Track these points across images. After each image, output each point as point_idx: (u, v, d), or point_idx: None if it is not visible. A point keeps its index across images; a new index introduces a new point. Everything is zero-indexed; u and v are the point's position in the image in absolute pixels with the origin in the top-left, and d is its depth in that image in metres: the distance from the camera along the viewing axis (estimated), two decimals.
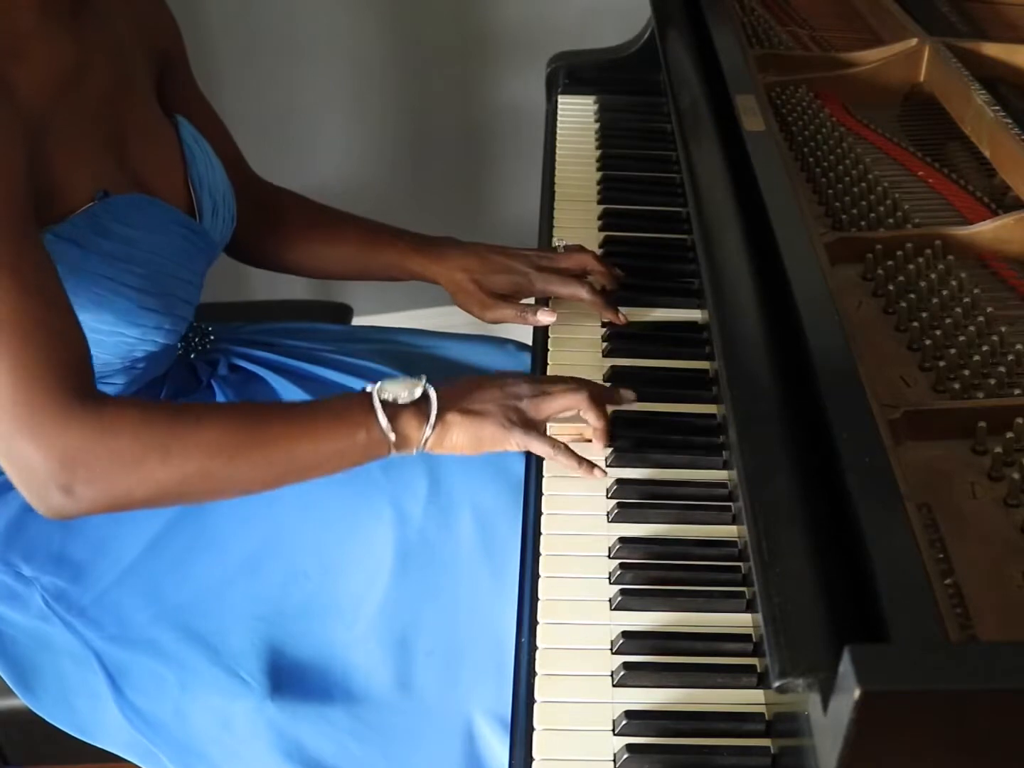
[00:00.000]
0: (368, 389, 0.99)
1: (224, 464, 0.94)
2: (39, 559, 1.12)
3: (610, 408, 1.07)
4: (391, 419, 0.97)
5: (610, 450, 1.05)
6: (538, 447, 1.01)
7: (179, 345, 1.23)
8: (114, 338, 1.06)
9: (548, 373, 1.15)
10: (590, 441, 1.05)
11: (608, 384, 1.11)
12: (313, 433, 0.97)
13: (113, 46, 1.09)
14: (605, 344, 1.20)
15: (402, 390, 0.98)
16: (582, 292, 1.22)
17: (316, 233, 1.31)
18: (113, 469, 0.91)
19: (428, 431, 0.98)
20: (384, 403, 0.97)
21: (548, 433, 1.04)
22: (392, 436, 0.97)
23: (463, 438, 1.00)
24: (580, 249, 1.27)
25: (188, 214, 1.15)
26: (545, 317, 1.20)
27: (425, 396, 0.99)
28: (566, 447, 1.02)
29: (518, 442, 1.01)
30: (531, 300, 1.26)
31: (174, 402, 1.14)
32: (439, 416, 0.99)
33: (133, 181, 1.09)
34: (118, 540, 1.12)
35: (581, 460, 1.01)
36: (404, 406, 0.98)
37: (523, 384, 1.03)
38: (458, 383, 1.03)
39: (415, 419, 0.98)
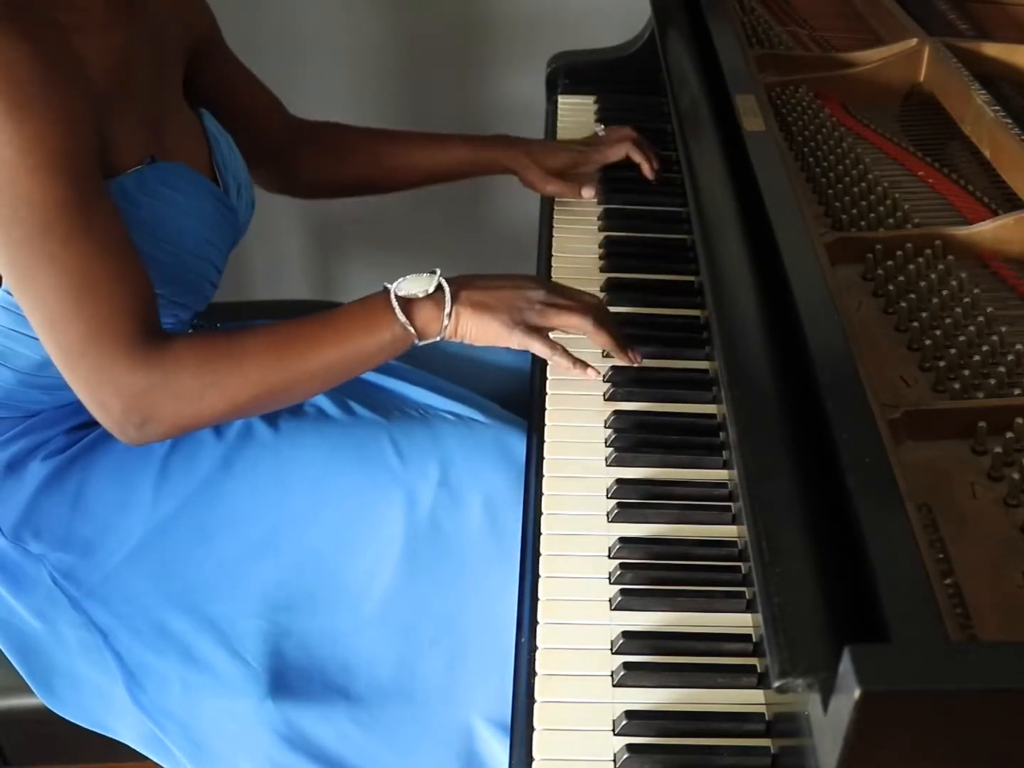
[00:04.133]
0: (388, 287, 1.06)
1: (270, 386, 1.05)
2: (48, 536, 1.13)
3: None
4: (411, 314, 1.05)
5: (611, 449, 1.05)
6: (537, 347, 1.08)
7: (189, 334, 1.24)
8: None
9: (548, 373, 1.15)
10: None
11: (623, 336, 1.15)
12: (342, 341, 1.06)
13: (154, 37, 1.14)
14: None
15: (418, 286, 1.06)
16: (628, 147, 1.45)
17: (382, 145, 1.44)
18: (178, 405, 1.03)
19: (446, 320, 1.06)
20: (401, 300, 1.05)
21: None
22: (413, 330, 1.05)
23: (472, 329, 1.07)
24: (621, 127, 1.49)
25: None
26: (587, 191, 1.42)
27: (439, 288, 1.06)
28: (563, 349, 1.09)
29: (519, 341, 1.07)
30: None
31: (218, 332, 1.21)
32: (453, 306, 1.06)
33: (173, 158, 1.14)
34: (128, 518, 1.14)
35: (576, 360, 1.10)
36: (421, 300, 1.06)
37: (537, 290, 1.09)
38: (474, 278, 1.09)
39: (433, 311, 1.06)
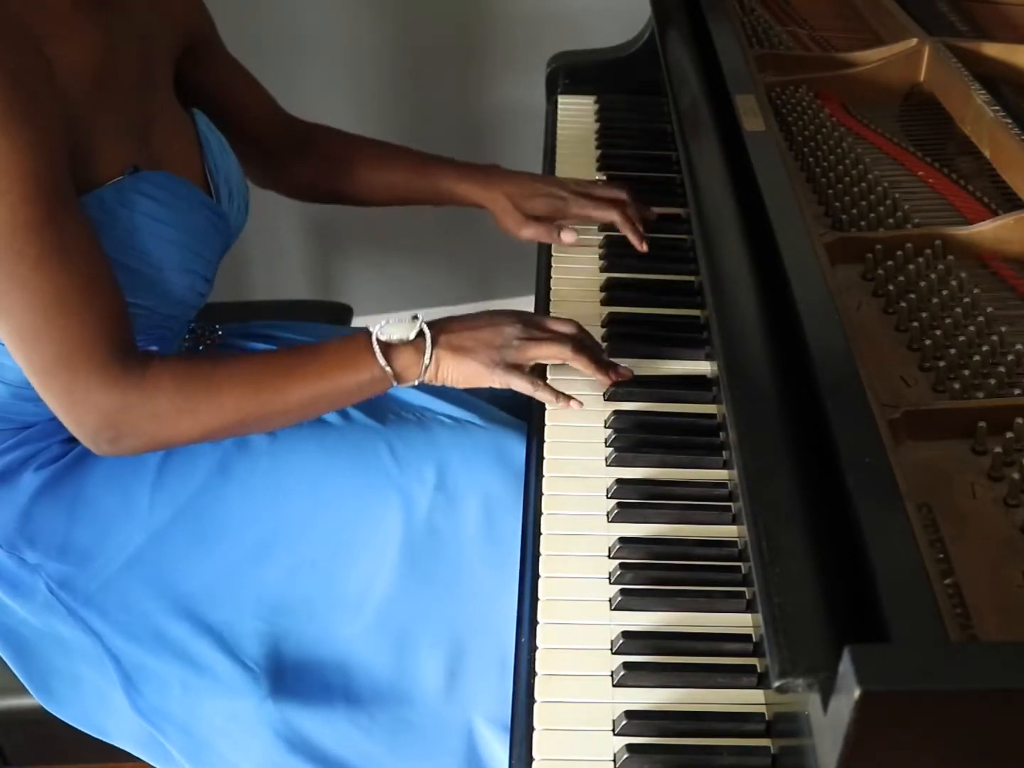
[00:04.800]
0: (371, 330, 1.07)
1: (244, 416, 1.06)
2: (44, 546, 1.13)
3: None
4: (392, 358, 1.06)
5: (611, 449, 1.05)
6: (517, 384, 1.08)
7: (186, 337, 1.24)
8: (133, 311, 1.07)
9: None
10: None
11: (603, 348, 1.17)
12: (321, 378, 1.06)
13: (138, 38, 1.12)
14: (605, 344, 1.19)
15: (400, 331, 1.07)
16: (614, 215, 1.34)
17: (363, 159, 1.41)
18: (153, 426, 1.04)
19: (426, 363, 1.07)
20: (382, 344, 1.06)
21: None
22: (391, 373, 1.06)
23: (453, 372, 1.08)
24: (617, 184, 1.40)
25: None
26: (568, 236, 1.35)
27: (420, 334, 1.07)
28: (544, 384, 1.09)
29: (500, 380, 1.08)
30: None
31: (198, 357, 1.21)
32: (433, 353, 1.07)
33: (158, 165, 1.12)
34: (124, 526, 1.14)
35: (558, 394, 1.09)
36: (402, 344, 1.07)
37: (514, 325, 1.09)
38: (452, 321, 1.10)
39: (412, 356, 1.07)
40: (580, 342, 1.11)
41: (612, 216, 1.34)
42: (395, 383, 1.07)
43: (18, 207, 0.94)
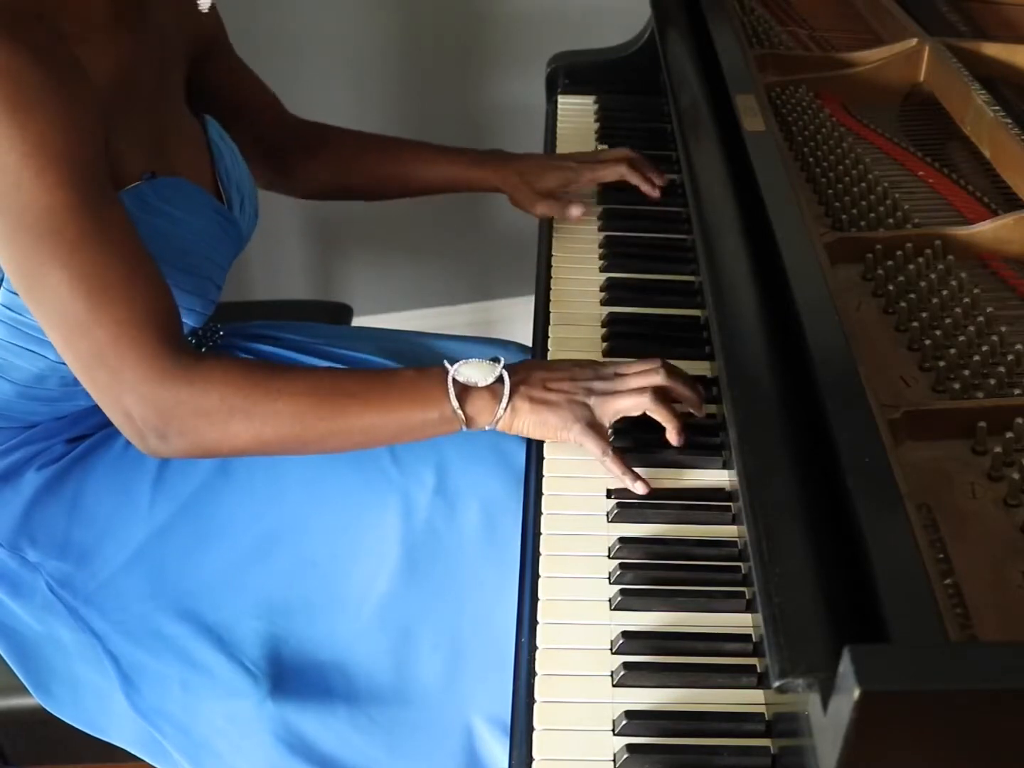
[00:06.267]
0: (447, 367, 1.03)
1: (301, 431, 1.01)
2: (45, 544, 1.13)
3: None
4: (464, 400, 1.02)
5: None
6: (592, 448, 1.02)
7: (191, 340, 1.24)
8: None
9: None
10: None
11: (686, 375, 1.08)
12: (388, 408, 1.02)
13: (159, 45, 1.13)
14: (605, 344, 1.20)
15: (479, 375, 1.02)
16: (622, 169, 1.39)
17: (373, 153, 1.41)
18: (201, 425, 1.00)
19: (500, 413, 1.02)
20: (457, 383, 1.02)
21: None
22: (463, 416, 1.02)
23: (529, 425, 1.03)
24: (620, 147, 1.45)
25: None
26: (575, 210, 1.37)
27: (500, 379, 1.02)
28: (615, 452, 1.02)
29: (576, 438, 1.02)
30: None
31: (260, 362, 1.17)
32: (510, 402, 1.02)
33: (173, 171, 1.12)
34: (124, 525, 1.14)
35: (627, 469, 1.01)
36: (478, 388, 1.02)
37: (594, 380, 1.05)
38: (532, 369, 1.06)
39: (487, 402, 1.02)
40: (660, 392, 1.03)
41: (621, 171, 1.39)
42: (464, 428, 1.02)
43: (55, 188, 0.93)
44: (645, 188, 1.40)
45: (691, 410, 1.06)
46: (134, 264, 0.98)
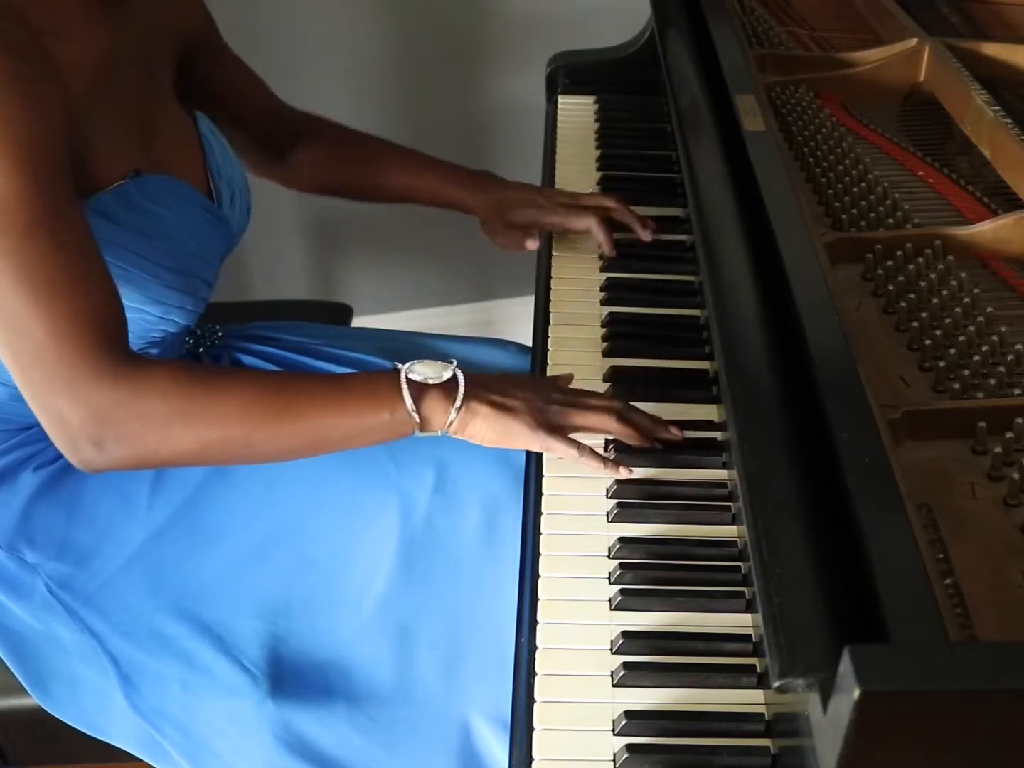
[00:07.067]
0: (398, 367, 1.00)
1: (247, 433, 0.97)
2: (43, 546, 1.13)
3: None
4: (418, 400, 0.99)
5: (611, 449, 1.05)
6: (561, 449, 1.01)
7: (188, 340, 1.24)
8: (135, 315, 1.07)
9: (548, 374, 1.15)
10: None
11: (651, 416, 1.06)
12: (338, 409, 0.99)
13: (144, 40, 1.12)
14: (605, 344, 1.20)
15: (431, 371, 1.01)
16: (592, 223, 1.32)
17: (361, 154, 1.41)
18: (141, 430, 0.95)
19: (453, 415, 1.00)
20: (411, 383, 0.99)
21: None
22: (416, 418, 0.99)
23: (487, 430, 1.01)
24: (608, 193, 1.39)
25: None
26: (530, 244, 1.35)
27: (453, 379, 1.01)
28: (590, 449, 1.01)
29: (542, 444, 1.01)
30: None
31: (205, 364, 1.16)
32: (465, 402, 1.00)
33: (160, 168, 1.11)
34: (123, 526, 1.13)
35: (606, 461, 1.01)
36: (432, 387, 1.00)
37: (555, 391, 1.04)
38: (492, 377, 1.05)
39: (441, 402, 1.00)
40: (623, 413, 1.03)
41: (588, 223, 1.33)
42: (417, 431, 1.00)
43: (10, 174, 0.90)
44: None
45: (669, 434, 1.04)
46: (83, 265, 0.94)
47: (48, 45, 0.97)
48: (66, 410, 0.94)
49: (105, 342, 0.94)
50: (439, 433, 1.01)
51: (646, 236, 1.34)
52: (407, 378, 1.00)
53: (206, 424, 0.96)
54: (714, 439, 1.05)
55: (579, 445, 1.01)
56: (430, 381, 1.00)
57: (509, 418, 1.00)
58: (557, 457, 1.05)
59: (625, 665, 0.86)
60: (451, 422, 1.00)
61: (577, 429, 1.03)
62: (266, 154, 1.41)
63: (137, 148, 1.09)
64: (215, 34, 1.32)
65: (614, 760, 0.81)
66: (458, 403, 1.00)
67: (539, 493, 1.02)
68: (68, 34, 1.00)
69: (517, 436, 1.01)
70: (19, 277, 0.91)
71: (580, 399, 1.04)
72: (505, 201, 1.36)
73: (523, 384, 1.05)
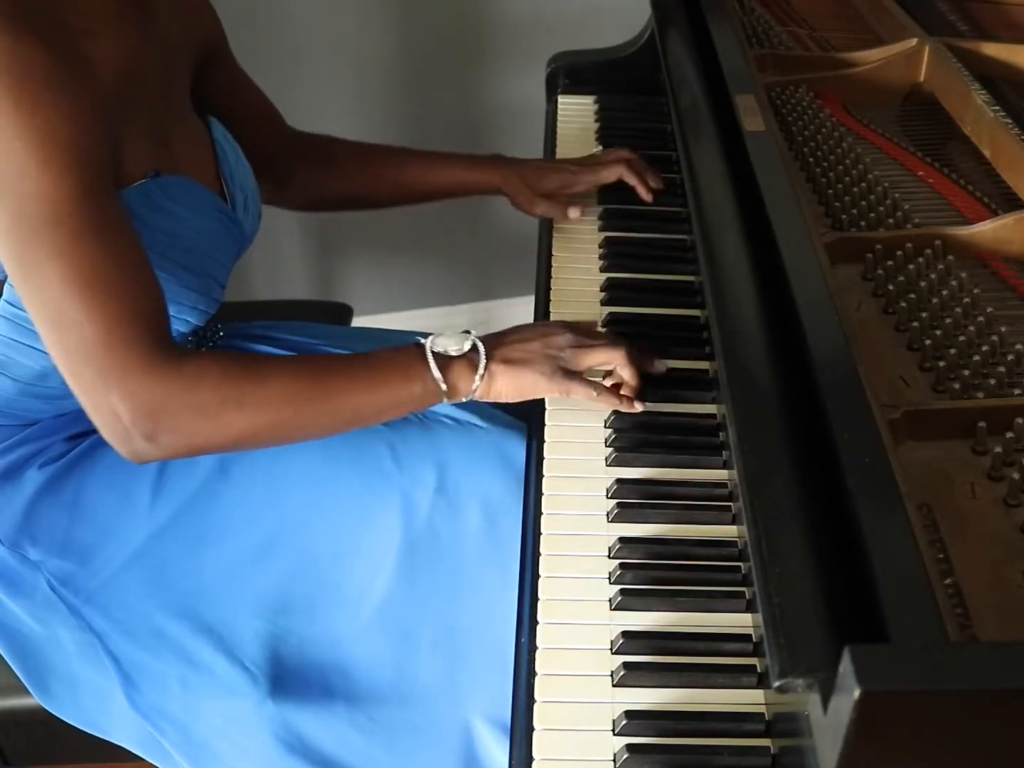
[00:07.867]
0: (422, 342, 1.05)
1: (293, 415, 1.02)
2: (46, 543, 1.13)
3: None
4: (443, 370, 1.04)
5: (611, 449, 1.05)
6: (579, 390, 1.07)
7: (190, 339, 1.24)
8: None
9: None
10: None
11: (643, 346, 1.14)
12: (374, 385, 1.04)
13: (165, 46, 1.13)
14: None
15: (453, 343, 1.05)
16: (621, 169, 1.41)
17: (374, 162, 1.43)
18: (194, 420, 0.98)
19: (477, 381, 1.05)
20: (436, 355, 1.04)
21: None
22: (444, 387, 1.04)
23: (509, 387, 1.06)
24: (618, 148, 1.46)
25: None
26: (574, 211, 1.39)
27: (474, 348, 1.05)
28: (605, 388, 1.08)
29: (559, 388, 1.07)
30: None
31: (242, 353, 1.18)
32: (487, 365, 1.05)
33: (177, 170, 1.12)
34: (125, 524, 1.14)
35: (622, 397, 1.08)
36: (455, 358, 1.05)
37: (564, 335, 1.09)
38: (504, 335, 1.09)
39: (466, 370, 1.05)
40: (631, 350, 1.09)
41: (620, 171, 1.40)
42: (445, 399, 1.05)
43: (61, 178, 0.93)
44: (640, 191, 1.41)
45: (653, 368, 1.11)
46: (131, 261, 0.97)
47: (86, 47, 0.99)
48: (118, 406, 0.96)
49: (153, 336, 0.97)
50: (464, 399, 1.06)
51: (648, 197, 1.41)
52: (432, 351, 1.04)
53: (257, 409, 1.00)
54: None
55: (595, 384, 1.07)
56: (452, 352, 1.05)
57: (527, 371, 1.06)
58: (557, 457, 1.05)
59: (625, 665, 0.86)
60: (476, 388, 1.05)
61: (589, 367, 1.09)
62: (274, 177, 1.41)
63: (156, 149, 1.10)
64: (226, 48, 1.33)
65: (614, 760, 0.81)
66: (480, 370, 1.05)
67: (539, 493, 1.02)
68: (100, 34, 1.01)
69: (537, 386, 1.06)
70: (70, 277, 0.94)
71: (587, 339, 1.09)
72: (530, 174, 1.40)
73: (534, 335, 1.09)
